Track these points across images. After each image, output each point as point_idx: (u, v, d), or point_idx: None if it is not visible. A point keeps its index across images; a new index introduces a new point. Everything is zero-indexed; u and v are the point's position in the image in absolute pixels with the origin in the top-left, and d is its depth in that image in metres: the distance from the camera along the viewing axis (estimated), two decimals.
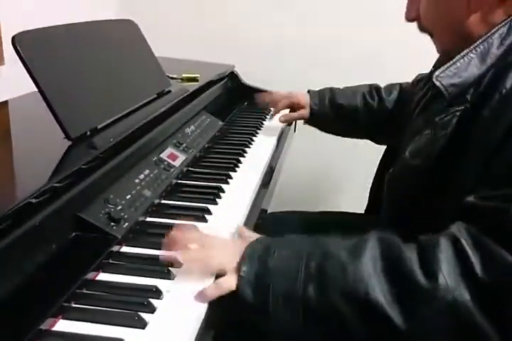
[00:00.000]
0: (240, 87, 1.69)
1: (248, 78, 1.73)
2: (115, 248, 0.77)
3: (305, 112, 1.36)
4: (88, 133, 0.90)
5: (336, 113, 1.32)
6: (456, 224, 0.67)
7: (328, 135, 1.42)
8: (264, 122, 1.53)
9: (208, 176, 1.08)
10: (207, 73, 1.52)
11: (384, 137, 1.30)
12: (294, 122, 1.70)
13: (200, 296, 0.68)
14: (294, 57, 1.97)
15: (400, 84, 1.29)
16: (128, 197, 0.86)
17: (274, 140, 1.38)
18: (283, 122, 1.43)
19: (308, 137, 1.58)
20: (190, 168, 1.11)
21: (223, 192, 1.01)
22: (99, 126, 0.93)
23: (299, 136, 1.63)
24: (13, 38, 0.81)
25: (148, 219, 0.88)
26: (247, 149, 1.26)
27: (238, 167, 1.15)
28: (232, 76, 1.68)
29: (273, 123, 1.52)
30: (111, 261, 0.74)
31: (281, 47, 1.95)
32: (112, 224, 0.78)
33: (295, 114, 1.39)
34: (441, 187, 0.80)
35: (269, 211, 1.27)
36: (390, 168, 0.95)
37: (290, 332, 0.69)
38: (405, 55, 1.80)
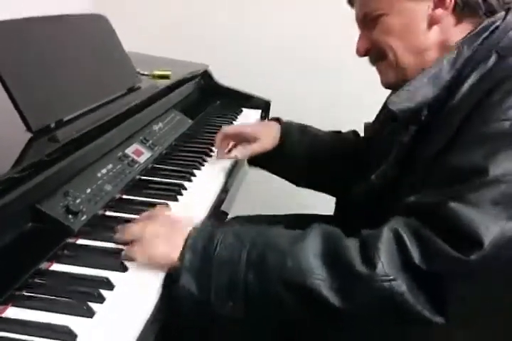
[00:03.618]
0: (213, 86, 1.70)
1: (224, 78, 1.75)
2: (71, 240, 0.78)
3: (265, 143, 1.16)
4: (53, 125, 0.91)
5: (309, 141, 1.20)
6: (396, 218, 0.72)
7: None
8: (234, 122, 1.55)
9: (171, 173, 1.09)
10: (180, 71, 1.54)
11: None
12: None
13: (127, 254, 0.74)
14: (272, 59, 1.99)
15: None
16: (88, 190, 0.87)
17: None
18: (241, 158, 1.18)
19: None
20: (154, 165, 1.13)
21: (185, 189, 1.03)
22: (64, 119, 0.94)
23: None
24: None
25: (108, 213, 0.90)
26: (213, 148, 1.28)
27: (203, 165, 1.17)
28: (206, 75, 1.69)
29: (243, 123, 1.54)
30: (66, 253, 0.76)
31: (260, 50, 1.98)
32: (70, 216, 0.80)
33: (255, 146, 1.15)
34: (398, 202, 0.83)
35: (236, 214, 1.29)
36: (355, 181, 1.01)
37: (233, 319, 0.72)
38: None
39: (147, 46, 1.73)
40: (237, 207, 1.31)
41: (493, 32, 0.83)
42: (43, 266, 0.71)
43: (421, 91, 0.84)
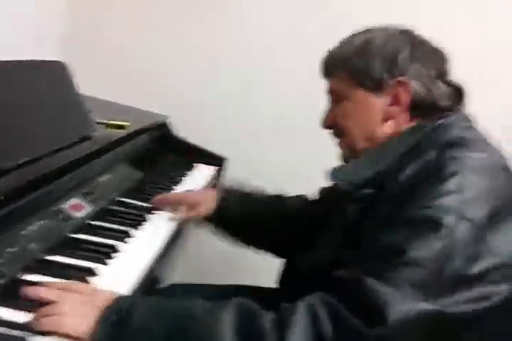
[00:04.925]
0: (170, 139, 1.68)
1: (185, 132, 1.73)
2: None
3: (203, 209, 1.22)
4: None
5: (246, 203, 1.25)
6: (314, 294, 0.74)
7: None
8: (183, 178, 1.53)
9: (106, 232, 1.05)
10: (138, 120, 1.53)
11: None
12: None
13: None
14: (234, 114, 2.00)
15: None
16: (9, 250, 0.82)
17: None
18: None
19: None
20: (91, 222, 1.08)
21: (116, 251, 0.98)
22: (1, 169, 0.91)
23: None
24: None
25: (27, 276, 0.83)
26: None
27: (141, 225, 1.13)
28: (164, 127, 1.68)
29: (194, 181, 1.53)
30: None
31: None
32: None
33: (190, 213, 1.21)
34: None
35: (174, 281, 1.25)
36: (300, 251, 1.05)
37: None
38: None
39: (114, 93, 1.71)
40: (177, 273, 1.27)
41: (437, 128, 0.89)
42: None
43: (366, 168, 0.90)
